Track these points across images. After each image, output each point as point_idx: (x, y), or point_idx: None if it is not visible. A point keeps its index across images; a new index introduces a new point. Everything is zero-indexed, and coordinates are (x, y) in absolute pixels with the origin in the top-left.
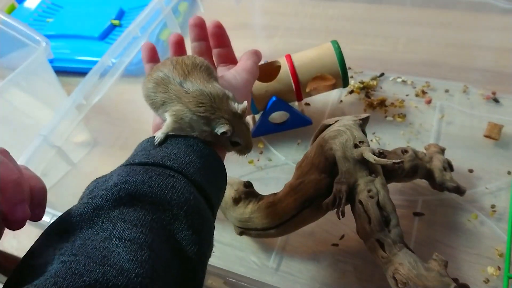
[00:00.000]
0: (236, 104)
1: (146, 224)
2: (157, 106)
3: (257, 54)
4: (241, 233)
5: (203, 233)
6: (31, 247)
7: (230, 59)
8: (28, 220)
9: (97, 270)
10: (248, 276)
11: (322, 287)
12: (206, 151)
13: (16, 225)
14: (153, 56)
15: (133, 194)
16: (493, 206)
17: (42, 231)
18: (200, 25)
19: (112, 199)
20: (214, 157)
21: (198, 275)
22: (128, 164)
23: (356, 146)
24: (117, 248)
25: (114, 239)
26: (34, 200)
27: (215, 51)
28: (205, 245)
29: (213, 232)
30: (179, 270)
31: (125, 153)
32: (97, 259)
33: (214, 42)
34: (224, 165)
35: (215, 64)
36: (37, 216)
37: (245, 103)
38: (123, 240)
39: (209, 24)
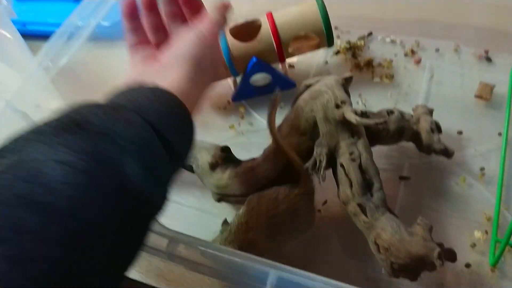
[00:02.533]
0: None
1: (89, 152)
2: None
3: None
4: (219, 200)
5: (155, 172)
6: None
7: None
8: None
9: (24, 186)
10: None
11: (305, 254)
12: (172, 101)
13: None
14: (132, 13)
15: (80, 123)
16: (482, 169)
17: None
18: None
19: (56, 125)
20: (180, 106)
21: (143, 216)
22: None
23: (337, 106)
24: (52, 171)
25: (50, 162)
26: None
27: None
28: (157, 185)
29: (171, 178)
30: (120, 205)
31: None
32: (27, 177)
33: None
34: (191, 116)
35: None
36: None
37: None
38: (60, 163)
39: None
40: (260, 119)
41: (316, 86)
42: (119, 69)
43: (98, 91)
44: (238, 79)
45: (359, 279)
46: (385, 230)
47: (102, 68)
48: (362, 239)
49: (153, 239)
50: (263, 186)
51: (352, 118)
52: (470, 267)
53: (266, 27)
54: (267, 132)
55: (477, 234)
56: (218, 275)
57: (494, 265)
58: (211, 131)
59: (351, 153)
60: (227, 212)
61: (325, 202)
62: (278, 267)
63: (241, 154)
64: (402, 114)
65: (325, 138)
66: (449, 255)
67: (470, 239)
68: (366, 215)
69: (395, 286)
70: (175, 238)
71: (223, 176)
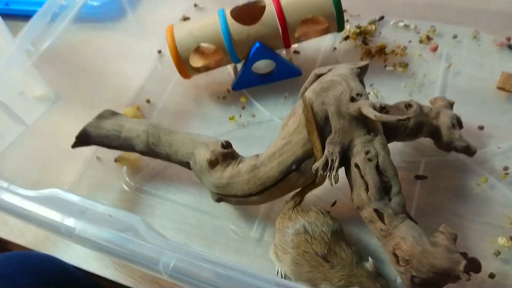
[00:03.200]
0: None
1: None
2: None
3: None
4: (218, 200)
5: None
6: None
7: None
8: None
9: None
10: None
11: None
12: None
13: None
14: None
15: None
16: (505, 168)
17: None
18: None
19: None
20: None
21: None
22: None
23: (352, 99)
24: None
25: None
26: None
27: None
28: None
29: None
30: None
31: (89, 111)
32: None
33: None
34: None
35: None
36: None
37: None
38: None
39: None
40: (263, 110)
41: (328, 76)
42: (109, 53)
43: (86, 77)
44: (239, 66)
45: None
46: (406, 239)
47: (89, 51)
48: (374, 244)
49: (145, 251)
50: (268, 186)
51: (371, 113)
52: (494, 278)
53: (270, 9)
54: (270, 125)
55: (501, 240)
56: None
57: None
58: (209, 123)
59: (367, 152)
60: (227, 213)
61: (335, 203)
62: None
63: (242, 148)
64: (421, 108)
65: (338, 135)
66: (473, 265)
67: (493, 246)
68: (383, 222)
69: None
70: (169, 250)
71: (223, 175)
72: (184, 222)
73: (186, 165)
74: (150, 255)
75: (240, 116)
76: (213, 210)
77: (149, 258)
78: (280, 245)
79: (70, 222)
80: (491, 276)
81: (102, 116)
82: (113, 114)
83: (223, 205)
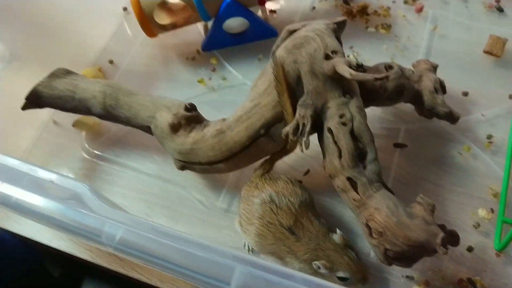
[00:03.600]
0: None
1: None
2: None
3: None
4: (182, 168)
5: None
6: None
7: None
8: None
9: None
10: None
11: None
12: None
13: None
14: None
15: None
16: (489, 137)
17: None
18: None
19: None
20: None
21: None
22: None
23: (327, 57)
24: None
25: None
26: None
27: None
28: None
29: None
30: None
31: (47, 72)
32: None
33: None
34: None
35: None
36: None
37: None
38: None
39: None
40: (235, 73)
41: (302, 31)
42: (69, 8)
43: (44, 35)
44: (210, 24)
45: None
46: (380, 210)
47: (48, 7)
48: (349, 216)
49: (86, 221)
50: (235, 153)
51: (346, 71)
52: (473, 251)
53: None
54: (243, 89)
55: (482, 212)
56: (171, 270)
57: (501, 250)
58: (176, 85)
59: (341, 116)
60: (193, 182)
61: (307, 172)
62: (244, 261)
63: (211, 114)
64: (402, 70)
65: (311, 97)
66: (451, 238)
67: (473, 218)
68: (357, 191)
69: (385, 270)
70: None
71: (187, 141)
72: (146, 191)
73: (147, 129)
74: (91, 225)
75: (210, 79)
76: (178, 179)
77: (91, 229)
78: (244, 215)
79: (6, 188)
80: (469, 249)
81: (54, 75)
82: (67, 73)
83: (188, 173)
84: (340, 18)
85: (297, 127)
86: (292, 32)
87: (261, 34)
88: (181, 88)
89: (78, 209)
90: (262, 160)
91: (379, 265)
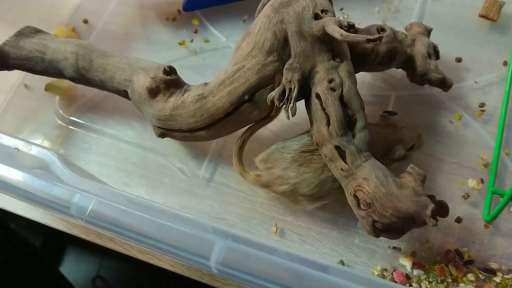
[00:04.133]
0: None
1: None
2: None
3: None
4: (161, 135)
5: None
6: None
7: None
8: None
9: None
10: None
11: (265, 202)
12: None
13: None
14: None
15: None
16: (481, 105)
17: None
18: None
19: None
20: None
21: None
22: None
23: (316, 16)
24: None
25: None
26: None
27: None
28: None
29: None
30: None
31: (14, 30)
32: None
33: None
34: None
35: None
36: None
37: None
38: None
39: None
40: (218, 35)
41: None
42: None
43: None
44: None
45: (330, 231)
46: (369, 180)
47: None
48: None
49: (54, 191)
50: (217, 119)
51: (336, 32)
52: (461, 222)
53: None
54: (227, 52)
55: (471, 182)
56: (146, 244)
57: (490, 222)
58: (156, 48)
59: (330, 81)
60: (174, 150)
61: None
62: (225, 234)
63: (192, 78)
64: (394, 33)
65: (298, 60)
66: (440, 209)
67: (462, 189)
68: (345, 160)
69: (372, 242)
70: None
71: (166, 106)
72: (125, 160)
73: (124, 93)
74: (60, 196)
75: (192, 41)
76: (158, 147)
77: (60, 200)
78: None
79: None
80: (458, 220)
81: (22, 34)
82: (36, 31)
83: (169, 141)
84: None
85: (283, 92)
86: None
87: None
88: (161, 50)
89: (45, 179)
90: (246, 128)
91: (365, 236)
